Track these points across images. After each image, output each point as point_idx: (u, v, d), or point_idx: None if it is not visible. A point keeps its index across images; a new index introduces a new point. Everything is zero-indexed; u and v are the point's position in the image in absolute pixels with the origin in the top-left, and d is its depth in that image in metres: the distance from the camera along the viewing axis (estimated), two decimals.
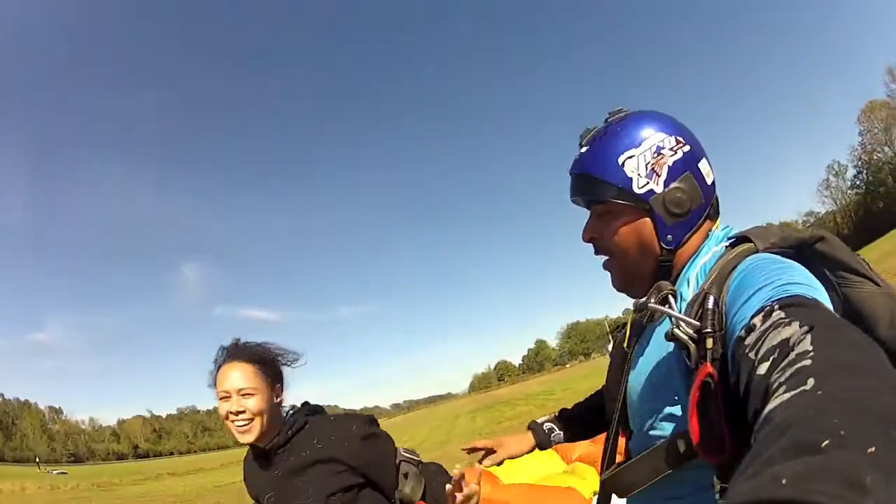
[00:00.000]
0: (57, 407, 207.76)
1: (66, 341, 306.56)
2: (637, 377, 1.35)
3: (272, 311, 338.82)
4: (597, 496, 1.52)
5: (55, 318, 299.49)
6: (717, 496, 1.04)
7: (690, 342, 1.06)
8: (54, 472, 64.82)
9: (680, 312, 1.12)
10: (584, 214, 1.44)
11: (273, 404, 2.06)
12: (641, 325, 1.43)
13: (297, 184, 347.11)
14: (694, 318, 1.08)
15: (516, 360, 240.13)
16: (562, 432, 2.00)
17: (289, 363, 2.20)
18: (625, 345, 1.49)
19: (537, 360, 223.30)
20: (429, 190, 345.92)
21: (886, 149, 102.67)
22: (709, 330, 1.04)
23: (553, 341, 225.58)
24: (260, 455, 2.10)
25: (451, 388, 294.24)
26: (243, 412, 1.96)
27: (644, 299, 1.22)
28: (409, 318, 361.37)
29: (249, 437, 1.99)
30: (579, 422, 2.03)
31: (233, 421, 1.97)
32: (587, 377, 42.24)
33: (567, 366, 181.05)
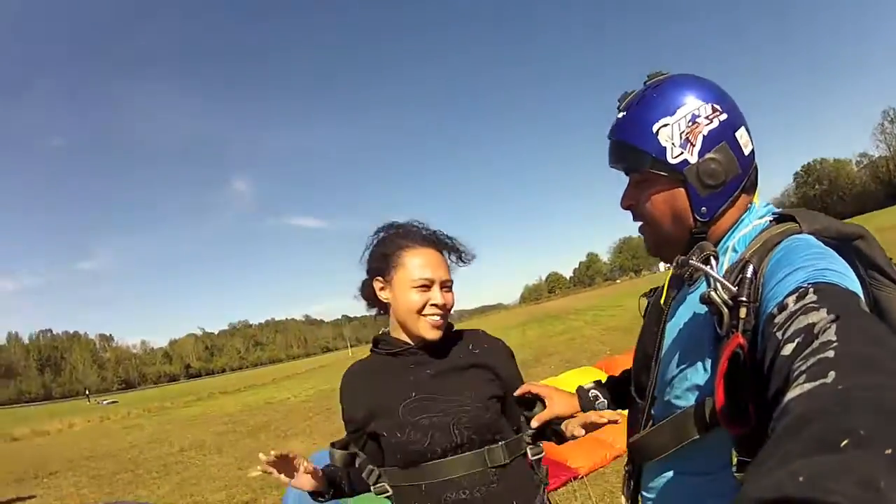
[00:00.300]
0: (107, 334, 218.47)
1: (115, 267, 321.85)
2: (666, 340, 1.34)
3: (323, 220, 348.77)
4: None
5: (102, 244, 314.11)
6: (735, 469, 1.06)
7: (724, 307, 1.06)
8: (105, 402, 66.06)
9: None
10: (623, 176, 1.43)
11: None
12: (680, 282, 1.36)
13: (348, 94, 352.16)
14: (732, 285, 1.08)
15: (567, 273, 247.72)
16: (605, 399, 1.88)
17: (467, 262, 2.00)
18: (661, 300, 1.41)
19: (588, 273, 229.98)
20: (487, 97, 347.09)
21: None
22: (744, 299, 1.05)
23: (604, 255, 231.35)
24: (408, 354, 1.86)
25: (502, 299, 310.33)
26: (444, 305, 1.81)
27: (685, 256, 1.20)
28: (462, 225, 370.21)
29: (439, 334, 1.82)
30: (624, 389, 1.82)
31: (427, 315, 1.78)
32: (638, 295, 41.43)
33: (617, 281, 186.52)
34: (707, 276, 1.10)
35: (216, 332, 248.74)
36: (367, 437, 1.89)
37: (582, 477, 5.68)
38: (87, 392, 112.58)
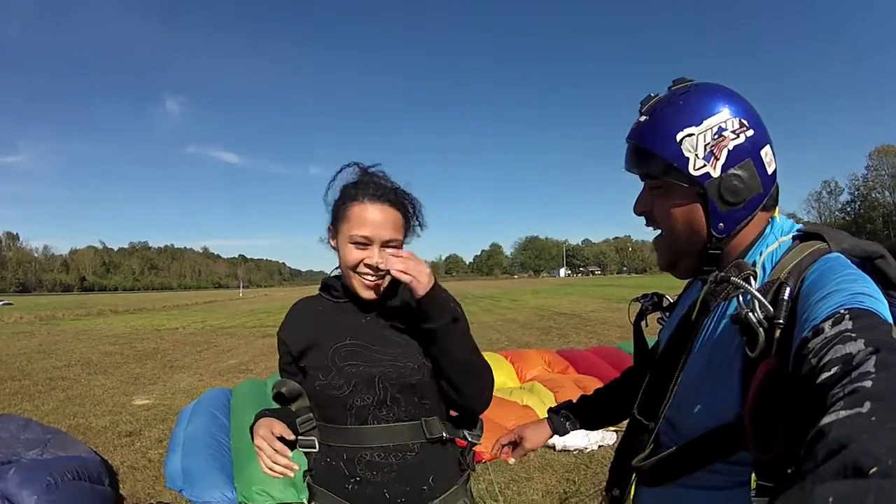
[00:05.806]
0: (14, 233, 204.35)
1: (37, 166, 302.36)
2: (693, 358, 1.22)
3: (241, 157, 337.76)
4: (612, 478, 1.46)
5: (30, 141, 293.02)
6: (754, 493, 1.02)
7: (760, 329, 1.01)
8: (1, 302, 62.24)
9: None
10: (634, 180, 1.34)
11: None
12: (711, 301, 1.23)
13: (293, 35, 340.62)
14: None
15: (467, 258, 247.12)
16: (577, 420, 1.81)
17: (414, 229, 1.76)
18: (692, 316, 1.27)
19: (488, 263, 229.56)
20: (419, 66, 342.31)
21: (888, 193, 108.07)
22: (781, 321, 1.00)
23: (508, 249, 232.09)
24: (353, 302, 1.74)
25: None
26: (377, 266, 1.62)
27: (724, 273, 1.13)
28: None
29: (372, 294, 1.67)
30: (599, 410, 1.82)
31: (361, 273, 1.63)
32: (536, 293, 42.91)
33: (515, 276, 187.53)
34: (744, 295, 1.04)
35: (115, 249, 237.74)
36: (300, 374, 1.73)
37: (485, 462, 5.25)
38: None
